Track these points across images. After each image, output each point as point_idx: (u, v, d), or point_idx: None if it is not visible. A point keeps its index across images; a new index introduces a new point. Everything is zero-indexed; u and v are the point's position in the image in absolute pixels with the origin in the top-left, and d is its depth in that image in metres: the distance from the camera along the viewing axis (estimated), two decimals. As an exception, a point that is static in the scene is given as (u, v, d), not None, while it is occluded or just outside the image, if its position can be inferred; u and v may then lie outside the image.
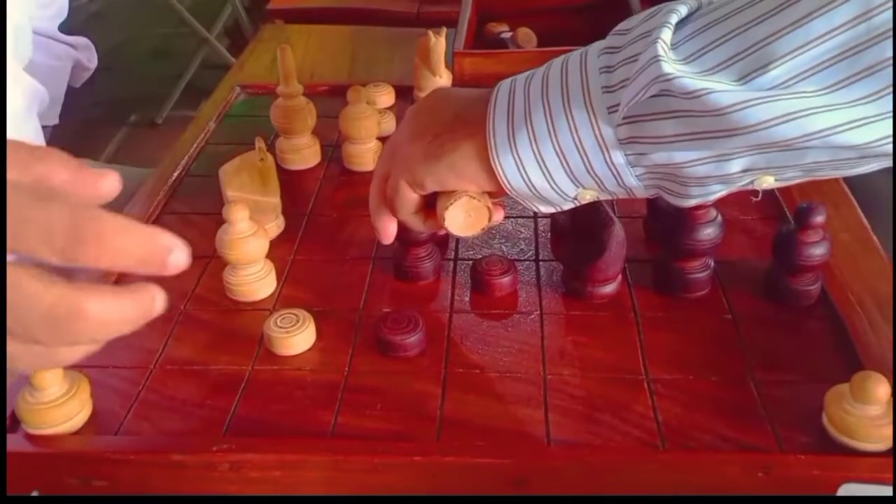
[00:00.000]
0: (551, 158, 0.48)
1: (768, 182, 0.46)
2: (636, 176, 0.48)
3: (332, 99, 0.90)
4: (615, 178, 0.48)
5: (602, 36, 0.49)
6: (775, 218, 0.72)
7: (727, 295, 0.63)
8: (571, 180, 0.49)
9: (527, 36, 1.12)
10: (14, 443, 0.52)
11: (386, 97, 0.93)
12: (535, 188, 0.50)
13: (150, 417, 0.55)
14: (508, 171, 0.49)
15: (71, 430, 0.53)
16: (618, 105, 0.45)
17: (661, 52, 0.42)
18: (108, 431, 0.54)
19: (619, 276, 0.64)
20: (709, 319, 0.61)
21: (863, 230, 0.71)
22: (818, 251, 0.60)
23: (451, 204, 0.53)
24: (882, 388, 0.49)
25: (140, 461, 0.51)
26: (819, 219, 0.60)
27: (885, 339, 0.58)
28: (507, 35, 1.13)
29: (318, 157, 0.85)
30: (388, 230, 0.60)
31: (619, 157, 0.47)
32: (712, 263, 0.64)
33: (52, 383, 0.52)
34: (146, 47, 3.21)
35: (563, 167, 0.48)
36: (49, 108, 1.00)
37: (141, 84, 2.87)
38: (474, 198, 0.53)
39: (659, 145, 0.45)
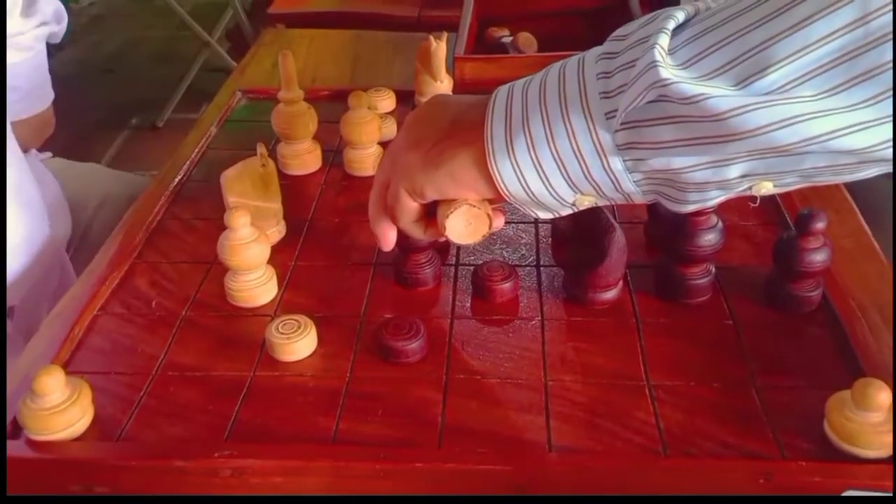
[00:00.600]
0: (549, 164, 0.48)
1: (767, 188, 0.46)
2: (634, 182, 0.48)
3: (333, 104, 0.90)
4: (613, 183, 0.48)
5: (602, 41, 0.49)
6: (776, 224, 0.72)
7: (728, 301, 0.63)
8: (569, 186, 0.49)
9: (527, 40, 1.12)
10: (16, 449, 0.52)
11: (387, 102, 0.93)
12: (533, 194, 0.50)
13: (151, 423, 0.55)
14: (506, 177, 0.49)
15: (72, 437, 0.53)
16: (615, 111, 0.45)
17: (658, 57, 0.43)
18: (110, 437, 0.54)
19: (620, 282, 0.64)
20: (710, 325, 0.61)
21: (864, 236, 0.71)
22: (819, 257, 0.60)
23: (452, 212, 0.53)
24: (883, 395, 0.49)
25: (142, 467, 0.51)
26: (820, 225, 0.60)
27: (887, 346, 0.58)
28: (508, 40, 1.14)
29: (320, 162, 0.85)
30: (388, 237, 0.60)
31: (617, 163, 0.47)
32: (713, 269, 0.64)
33: (54, 389, 0.52)
34: (147, 50, 3.21)
35: (561, 173, 0.48)
36: (41, 92, 1.00)
37: (142, 87, 2.87)
38: (474, 206, 0.53)
39: (657, 151, 0.45)
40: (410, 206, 0.56)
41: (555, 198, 0.50)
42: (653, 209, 0.69)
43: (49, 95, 1.02)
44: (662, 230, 0.66)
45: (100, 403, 0.55)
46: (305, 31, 1.29)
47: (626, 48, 0.46)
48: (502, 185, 0.50)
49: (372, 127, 0.81)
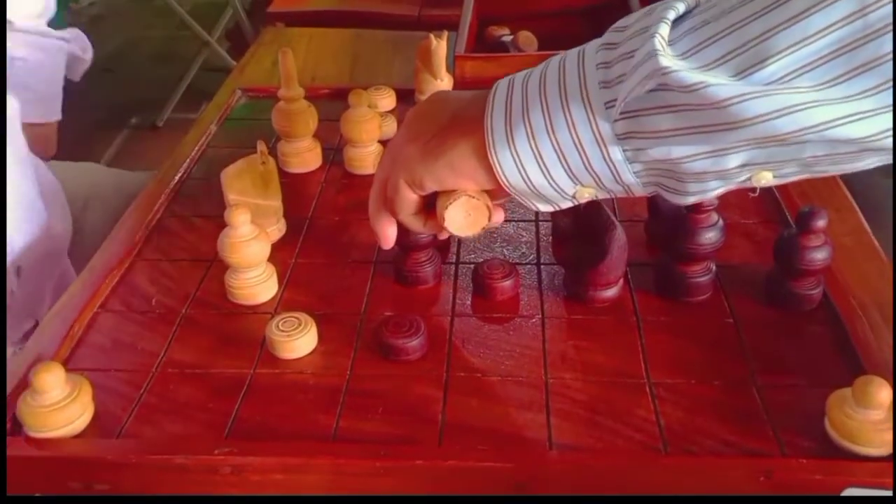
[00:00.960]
0: (549, 155, 0.48)
1: (766, 178, 0.46)
2: (634, 173, 0.48)
3: (333, 102, 0.90)
4: (613, 174, 0.48)
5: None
6: (777, 222, 0.72)
7: (729, 299, 0.63)
8: (570, 177, 0.49)
9: (528, 39, 1.12)
10: (15, 446, 0.52)
11: (387, 100, 0.93)
12: (533, 185, 0.50)
13: (151, 421, 0.55)
14: (507, 168, 0.50)
15: (72, 434, 0.53)
16: (615, 100, 0.45)
17: (658, 46, 0.43)
18: (110, 435, 0.53)
19: (621, 280, 0.64)
20: (710, 323, 0.61)
21: (864, 234, 0.71)
22: (820, 255, 0.60)
23: (451, 203, 0.53)
24: (884, 393, 0.49)
25: (142, 464, 0.51)
26: (820, 223, 0.60)
27: (887, 344, 0.58)
28: (508, 38, 1.14)
29: (320, 160, 0.85)
30: (388, 234, 0.60)
31: (616, 153, 0.47)
32: (714, 267, 0.64)
33: (54, 386, 0.52)
34: (147, 50, 3.21)
35: (562, 164, 0.48)
36: (50, 103, 1.00)
37: (141, 87, 2.87)
38: (474, 197, 0.53)
39: (657, 140, 0.45)
40: (410, 198, 0.56)
41: (555, 189, 0.50)
42: (654, 207, 0.69)
43: (56, 112, 1.03)
44: (663, 228, 0.66)
45: (100, 401, 0.55)
46: (305, 29, 1.29)
47: (627, 38, 0.46)
48: (503, 177, 0.50)
49: (372, 125, 0.81)
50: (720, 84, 0.41)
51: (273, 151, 0.83)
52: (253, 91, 1.00)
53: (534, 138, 0.48)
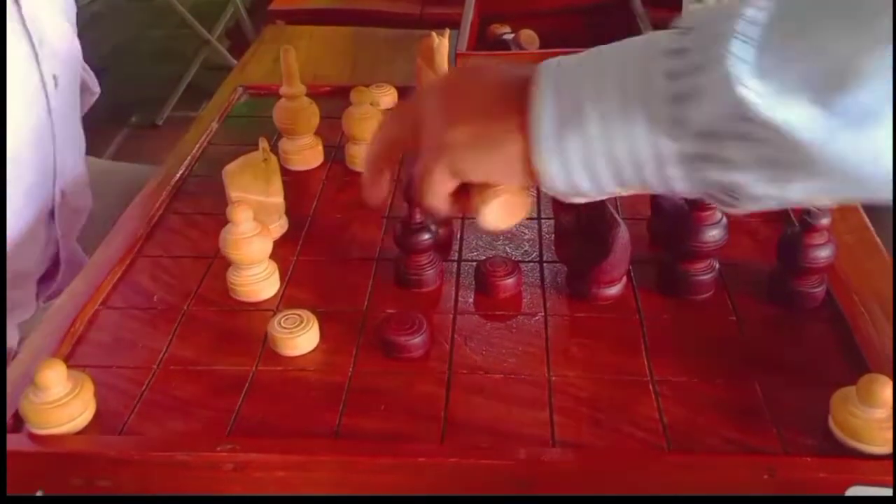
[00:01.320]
0: (602, 168, 0.45)
1: (823, 201, 0.44)
2: (689, 187, 0.44)
3: (334, 100, 0.89)
4: (665, 185, 0.45)
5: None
6: (780, 220, 0.72)
7: (732, 297, 0.63)
8: (618, 184, 0.46)
9: (529, 38, 1.12)
10: (17, 442, 0.52)
11: (389, 98, 0.93)
12: (578, 190, 0.47)
13: (153, 417, 0.54)
14: (555, 174, 0.46)
15: (74, 430, 0.53)
16: (681, 119, 0.41)
17: (734, 71, 0.38)
18: (112, 431, 0.53)
19: (624, 278, 0.64)
20: (713, 321, 0.61)
21: (867, 233, 0.71)
22: (823, 253, 0.60)
23: (494, 200, 0.50)
24: (888, 391, 0.49)
25: (143, 461, 0.51)
26: (824, 221, 0.60)
27: (890, 341, 0.58)
28: (510, 36, 1.13)
29: (321, 157, 0.85)
30: (379, 196, 0.56)
31: (675, 171, 0.43)
32: (717, 265, 0.64)
33: (56, 383, 0.52)
34: (147, 49, 3.21)
35: (614, 176, 0.45)
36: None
37: (142, 85, 2.86)
38: (516, 193, 0.51)
39: (724, 168, 0.42)
40: (447, 187, 0.51)
41: (598, 192, 0.47)
42: (656, 205, 0.69)
43: None
44: (666, 226, 0.66)
45: (102, 398, 0.55)
46: (306, 27, 1.29)
47: (697, 47, 0.41)
48: (549, 184, 0.47)
49: (374, 122, 0.81)
50: (804, 124, 0.37)
51: (274, 149, 0.83)
52: (254, 89, 1.00)
53: (587, 150, 0.44)
